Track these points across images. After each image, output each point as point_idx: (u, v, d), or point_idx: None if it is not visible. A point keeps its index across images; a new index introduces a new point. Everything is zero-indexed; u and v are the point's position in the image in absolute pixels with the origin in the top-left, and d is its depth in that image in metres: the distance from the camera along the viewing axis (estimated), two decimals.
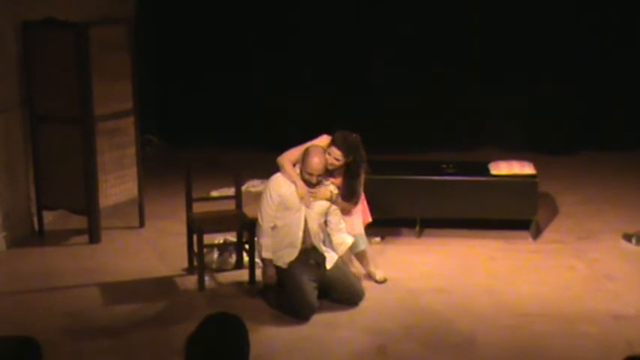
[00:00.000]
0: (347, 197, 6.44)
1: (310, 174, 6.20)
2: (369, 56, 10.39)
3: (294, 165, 6.35)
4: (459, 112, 10.46)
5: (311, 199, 6.24)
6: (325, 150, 6.30)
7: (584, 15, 10.21)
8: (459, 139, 10.38)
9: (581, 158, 10.29)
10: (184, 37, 10.64)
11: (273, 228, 6.30)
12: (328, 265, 6.31)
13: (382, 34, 10.30)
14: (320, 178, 6.26)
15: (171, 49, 10.72)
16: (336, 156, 6.30)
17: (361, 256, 6.73)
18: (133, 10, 10.09)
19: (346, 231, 6.46)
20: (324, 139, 6.45)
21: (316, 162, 6.18)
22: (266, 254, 6.34)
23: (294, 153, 6.38)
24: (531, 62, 10.29)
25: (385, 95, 10.44)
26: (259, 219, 6.35)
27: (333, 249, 6.42)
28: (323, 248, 6.37)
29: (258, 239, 6.45)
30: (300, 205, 6.24)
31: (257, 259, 6.66)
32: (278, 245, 6.30)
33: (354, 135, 6.44)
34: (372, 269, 6.76)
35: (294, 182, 6.25)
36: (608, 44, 10.27)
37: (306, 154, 6.24)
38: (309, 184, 6.25)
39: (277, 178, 6.33)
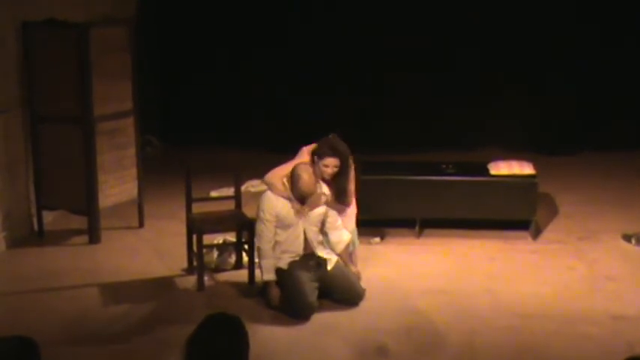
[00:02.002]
0: (338, 197, 6.38)
1: (304, 194, 6.14)
2: (369, 56, 10.39)
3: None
4: (458, 113, 10.47)
5: (307, 210, 6.23)
6: (312, 165, 6.22)
7: (585, 15, 10.21)
8: (459, 140, 10.39)
9: (581, 158, 10.30)
10: (185, 38, 10.65)
11: (274, 246, 6.28)
12: (329, 266, 6.31)
13: (382, 34, 10.30)
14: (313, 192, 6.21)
15: (171, 49, 10.73)
16: (334, 164, 6.25)
17: (351, 256, 6.66)
18: (133, 10, 10.10)
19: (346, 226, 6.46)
20: (304, 153, 6.37)
21: (306, 180, 6.08)
22: (267, 276, 6.29)
23: (282, 170, 6.28)
24: (531, 62, 10.30)
25: (385, 95, 10.45)
26: (257, 241, 6.32)
27: (331, 248, 6.42)
28: (324, 251, 6.37)
29: (259, 261, 6.40)
30: (297, 219, 6.22)
31: (257, 260, 6.67)
32: (280, 254, 6.29)
33: (333, 136, 6.36)
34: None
35: (288, 199, 6.21)
36: (608, 44, 10.27)
37: (293, 176, 6.12)
38: (303, 202, 6.21)
39: (269, 197, 6.23)
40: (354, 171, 6.57)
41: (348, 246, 6.52)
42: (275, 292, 6.28)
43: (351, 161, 6.42)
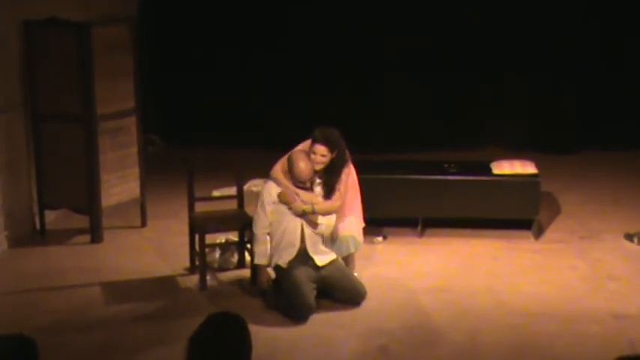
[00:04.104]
0: (326, 195, 6.32)
1: (302, 181, 6.21)
2: (369, 56, 10.38)
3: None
4: (461, 112, 10.47)
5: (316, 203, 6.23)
6: (308, 152, 6.25)
7: (585, 14, 10.20)
8: (461, 139, 10.37)
9: (584, 158, 10.28)
10: (186, 37, 10.65)
11: (269, 234, 6.32)
12: (319, 262, 6.28)
13: (382, 34, 10.29)
14: (312, 180, 6.26)
15: (173, 48, 10.72)
16: (321, 152, 6.22)
17: (347, 260, 6.60)
18: (135, 9, 10.09)
19: (338, 230, 6.43)
20: (307, 144, 6.37)
21: (302, 167, 6.16)
22: (259, 260, 6.38)
23: (282, 163, 6.33)
24: (534, 61, 10.29)
25: (386, 95, 10.44)
26: (253, 227, 6.39)
27: (332, 249, 6.42)
28: (319, 251, 6.35)
29: (252, 246, 6.47)
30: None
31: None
32: (277, 245, 6.31)
33: (333, 129, 6.36)
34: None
35: (296, 193, 6.23)
36: (609, 43, 10.26)
37: (290, 163, 6.21)
38: (305, 189, 6.26)
39: (270, 185, 6.33)
40: (354, 176, 6.54)
41: (340, 252, 6.49)
42: (264, 277, 6.36)
43: (345, 160, 6.36)
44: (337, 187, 6.30)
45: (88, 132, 7.46)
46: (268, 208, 6.28)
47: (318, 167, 6.25)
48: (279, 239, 6.29)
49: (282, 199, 6.23)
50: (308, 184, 6.26)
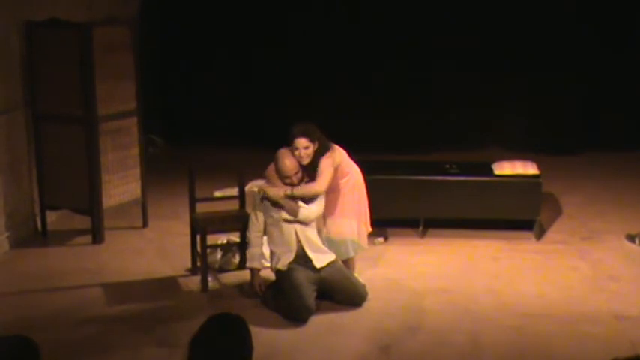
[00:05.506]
0: (313, 176, 6.32)
1: (288, 177, 6.24)
2: (369, 56, 10.39)
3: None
4: (462, 113, 10.47)
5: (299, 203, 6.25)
6: (290, 149, 6.27)
7: (586, 15, 10.21)
8: (462, 140, 10.38)
9: (585, 159, 10.29)
10: (187, 38, 10.66)
11: (267, 236, 6.36)
12: (318, 264, 6.27)
13: (382, 34, 10.30)
14: (298, 176, 6.28)
15: (174, 49, 10.74)
16: (303, 145, 6.24)
17: (347, 262, 6.59)
18: (136, 10, 10.10)
19: (335, 234, 6.44)
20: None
21: (287, 164, 6.22)
22: (251, 264, 6.42)
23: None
24: (534, 61, 10.29)
25: (387, 95, 10.45)
26: (247, 230, 6.45)
27: (330, 249, 6.42)
28: (320, 246, 6.34)
29: (246, 250, 6.51)
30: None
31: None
32: (276, 250, 6.33)
33: (309, 123, 6.39)
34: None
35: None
36: (609, 44, 10.27)
37: (275, 162, 6.27)
38: (293, 187, 6.28)
39: (262, 185, 6.41)
40: (358, 177, 6.55)
41: (340, 255, 6.46)
42: (257, 280, 6.40)
43: (326, 149, 6.34)
44: (318, 172, 6.29)
45: (89, 133, 7.46)
46: (261, 210, 6.32)
47: (305, 161, 6.27)
48: (277, 244, 6.31)
49: (267, 193, 6.24)
50: (295, 181, 6.27)
